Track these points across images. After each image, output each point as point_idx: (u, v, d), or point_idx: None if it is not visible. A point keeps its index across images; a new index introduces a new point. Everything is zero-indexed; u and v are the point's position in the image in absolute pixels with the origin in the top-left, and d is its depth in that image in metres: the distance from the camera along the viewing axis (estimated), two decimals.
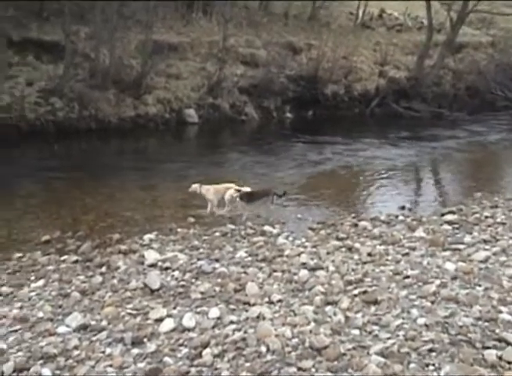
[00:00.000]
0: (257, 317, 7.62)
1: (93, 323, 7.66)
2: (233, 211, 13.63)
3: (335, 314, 7.72)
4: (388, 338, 7.08)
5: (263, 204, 13.63)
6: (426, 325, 7.34)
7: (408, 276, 9.04)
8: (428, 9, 35.40)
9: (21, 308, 8.23)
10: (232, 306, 8.07)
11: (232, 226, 12.45)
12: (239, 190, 13.34)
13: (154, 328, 7.47)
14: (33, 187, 16.28)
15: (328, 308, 7.93)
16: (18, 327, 7.56)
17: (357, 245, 10.77)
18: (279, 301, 8.19)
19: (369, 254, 10.22)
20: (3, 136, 23.79)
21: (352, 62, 35.85)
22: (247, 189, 13.63)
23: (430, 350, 6.76)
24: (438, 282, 8.70)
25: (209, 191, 13.72)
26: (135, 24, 31.05)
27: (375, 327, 7.36)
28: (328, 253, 10.36)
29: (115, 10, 28.35)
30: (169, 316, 7.79)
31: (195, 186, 13.74)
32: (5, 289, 8.95)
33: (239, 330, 7.32)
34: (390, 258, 10.06)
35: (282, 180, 17.15)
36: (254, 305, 8.03)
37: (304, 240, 11.42)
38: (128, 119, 28.11)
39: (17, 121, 24.74)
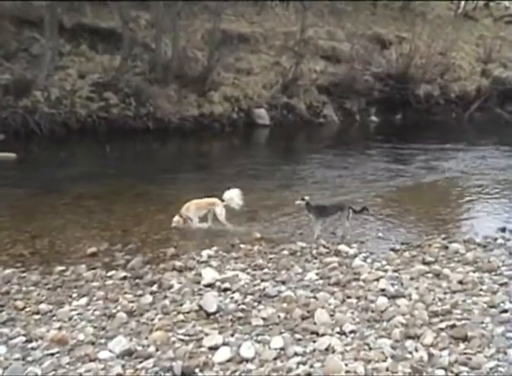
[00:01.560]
0: (326, 350, 7.53)
1: (139, 348, 7.69)
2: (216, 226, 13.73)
3: (416, 350, 7.56)
4: None
5: (337, 219, 13.58)
6: None
7: (506, 311, 8.78)
8: None
9: (60, 328, 8.31)
10: (297, 336, 8.00)
11: (303, 244, 12.40)
12: (303, 199, 13.33)
13: (208, 357, 7.45)
14: (80, 192, 16.64)
15: (408, 342, 7.77)
16: (55, 350, 7.64)
17: (446, 271, 10.54)
18: (352, 332, 8.08)
19: (460, 282, 9.98)
20: (49, 134, 24.50)
21: (450, 58, 35.43)
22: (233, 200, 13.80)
23: None
24: None
25: (189, 209, 13.66)
26: (201, 11, 31.46)
27: (463, 368, 7.17)
28: (412, 279, 10.18)
29: None
30: (225, 344, 7.75)
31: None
32: (43, 306, 9.07)
33: (304, 363, 7.25)
34: (485, 287, 9.80)
35: (364, 193, 17.05)
36: (323, 335, 7.93)
37: (384, 262, 11.24)
38: (190, 118, 28.53)
39: (66, 118, 25.38)
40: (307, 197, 13.42)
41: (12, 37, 26.91)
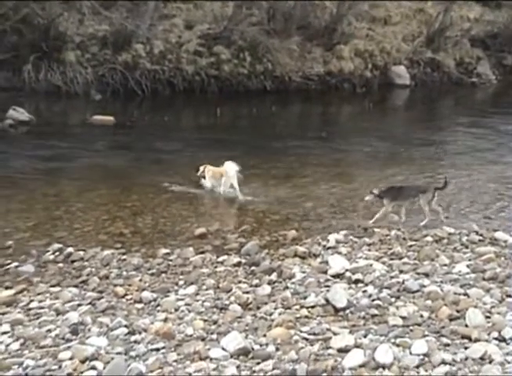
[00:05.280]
0: (481, 358, 7.33)
1: (257, 347, 7.72)
2: None
3: None
4: None
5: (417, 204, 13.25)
6: None
7: None
8: None
9: (165, 320, 8.44)
10: (445, 340, 7.83)
11: (451, 230, 12.20)
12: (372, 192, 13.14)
13: (337, 361, 7.37)
14: (185, 163, 16.86)
15: None
16: (160, 344, 7.76)
17: None
18: None
19: None
20: (151, 94, 24.94)
21: None
22: None
23: None
24: None
25: (208, 174, 14.64)
26: None
27: None
28: None
29: None
30: (358, 346, 7.66)
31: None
32: (146, 294, 9.26)
33: (454, 374, 7.10)
34: None
35: None
36: (476, 340, 7.73)
37: None
38: (314, 77, 28.35)
39: (171, 76, 25.70)
40: (375, 190, 13.14)
41: None
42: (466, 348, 7.57)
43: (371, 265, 10.26)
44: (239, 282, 9.78)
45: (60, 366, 7.16)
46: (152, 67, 25.61)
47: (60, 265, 10.54)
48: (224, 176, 14.33)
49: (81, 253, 10.92)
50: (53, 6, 25.46)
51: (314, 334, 8.02)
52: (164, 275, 10.14)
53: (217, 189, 14.48)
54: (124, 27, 25.63)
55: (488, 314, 8.43)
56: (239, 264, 10.50)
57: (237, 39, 27.32)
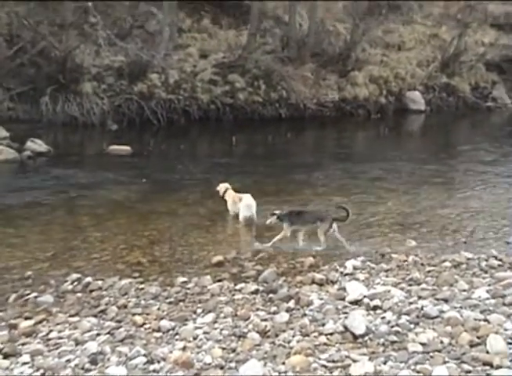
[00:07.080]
0: None
1: (275, 374, 7.69)
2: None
3: None
4: None
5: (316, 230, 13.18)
6: None
7: None
8: None
9: (184, 349, 8.42)
10: (466, 366, 7.74)
11: (469, 255, 12.15)
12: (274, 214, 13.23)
13: None
14: (202, 192, 16.93)
15: None
16: (179, 373, 7.73)
17: None
18: None
19: None
20: (167, 123, 25.05)
21: None
22: None
23: None
24: None
25: (229, 199, 15.02)
26: None
27: None
28: None
29: None
30: (377, 373, 7.59)
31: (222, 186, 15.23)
32: (164, 323, 9.25)
33: None
34: None
35: None
36: (498, 367, 7.65)
37: None
38: (329, 104, 28.37)
39: (186, 105, 25.83)
40: (276, 212, 13.16)
41: (126, 13, 27.57)
42: (487, 375, 7.49)
43: (389, 291, 10.18)
44: (257, 309, 9.73)
45: None
46: (167, 97, 25.74)
47: (79, 295, 10.56)
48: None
49: (99, 283, 10.95)
50: (70, 38, 25.70)
51: (333, 361, 7.97)
52: (181, 303, 10.13)
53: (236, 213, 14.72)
54: (139, 57, 25.84)
55: (509, 340, 8.30)
56: (256, 291, 10.47)
57: (252, 67, 27.42)
